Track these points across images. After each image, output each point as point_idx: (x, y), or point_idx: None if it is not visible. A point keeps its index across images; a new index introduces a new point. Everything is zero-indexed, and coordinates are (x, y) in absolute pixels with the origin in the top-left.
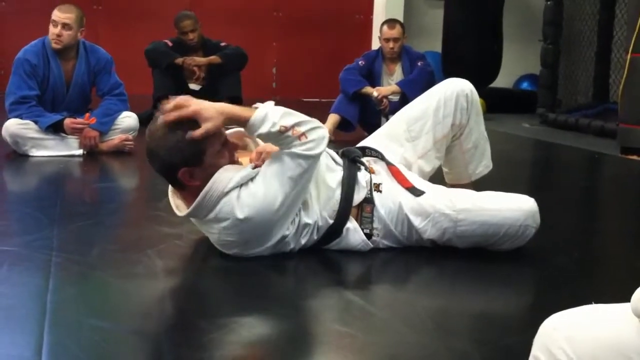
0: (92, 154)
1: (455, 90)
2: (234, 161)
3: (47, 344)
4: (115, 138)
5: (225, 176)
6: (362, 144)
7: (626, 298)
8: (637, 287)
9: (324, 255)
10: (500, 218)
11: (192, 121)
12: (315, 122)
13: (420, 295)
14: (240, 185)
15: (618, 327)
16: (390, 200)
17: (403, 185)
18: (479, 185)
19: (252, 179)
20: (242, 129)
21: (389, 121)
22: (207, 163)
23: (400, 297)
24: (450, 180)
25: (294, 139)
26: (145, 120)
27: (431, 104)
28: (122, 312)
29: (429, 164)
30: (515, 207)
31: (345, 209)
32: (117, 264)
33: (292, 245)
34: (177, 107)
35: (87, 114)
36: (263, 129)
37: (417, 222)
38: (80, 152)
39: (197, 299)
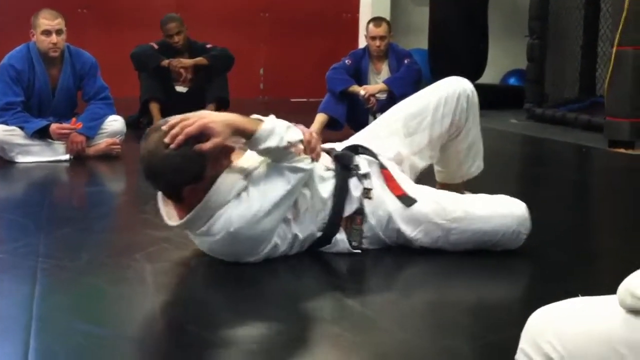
0: (79, 159)
1: (456, 90)
2: (229, 165)
3: (34, 350)
4: (102, 142)
5: (223, 189)
6: (355, 139)
7: (615, 290)
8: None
9: (315, 255)
10: (493, 225)
11: (197, 136)
12: (314, 134)
13: (411, 292)
14: (237, 197)
15: (605, 320)
16: (381, 208)
17: (395, 193)
18: (470, 180)
19: (246, 190)
20: None
21: (385, 114)
22: (208, 175)
23: (392, 294)
24: (441, 179)
25: (294, 155)
26: (132, 123)
27: (431, 101)
28: (111, 317)
29: (422, 161)
30: (507, 214)
31: (334, 221)
32: (105, 269)
33: (281, 251)
34: (179, 124)
35: (74, 119)
36: (270, 143)
37: (408, 231)
38: (67, 157)
39: (188, 303)
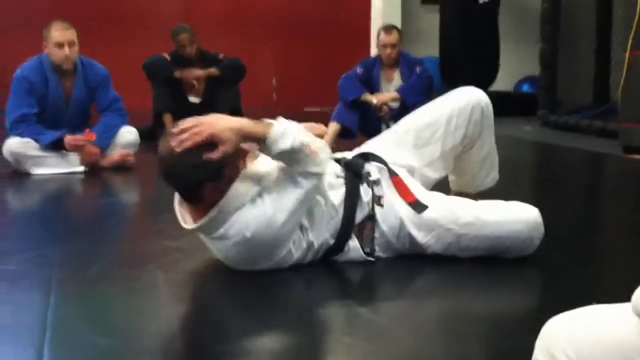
0: (93, 171)
1: (470, 101)
2: (244, 166)
3: None
4: (115, 153)
5: (239, 193)
6: (366, 147)
7: (629, 298)
8: None
9: (327, 264)
10: (504, 231)
11: (208, 143)
12: (321, 140)
13: (424, 300)
14: (252, 202)
15: (619, 328)
16: (392, 215)
17: (406, 200)
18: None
19: (260, 196)
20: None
21: (396, 125)
22: (227, 175)
23: (403, 303)
24: (455, 188)
25: (308, 157)
26: (145, 134)
27: (444, 112)
28: (124, 328)
29: (434, 172)
30: (519, 219)
31: (346, 229)
32: (118, 279)
33: (295, 258)
34: (189, 130)
35: (87, 130)
36: (284, 145)
37: (420, 237)
38: (81, 168)
39: (201, 314)
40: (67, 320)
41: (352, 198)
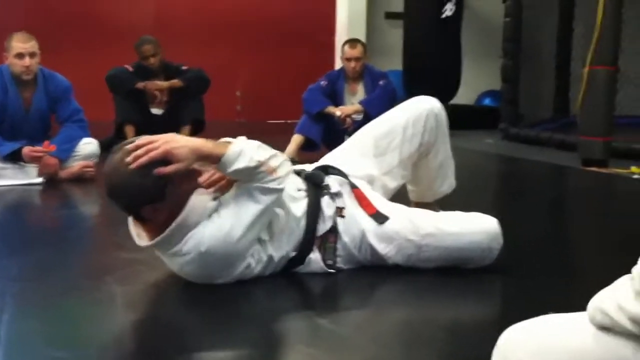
0: (52, 182)
1: (425, 109)
2: (195, 187)
3: None
4: (75, 165)
5: (196, 209)
6: (325, 160)
7: (586, 307)
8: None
9: (289, 276)
10: (465, 242)
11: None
12: (283, 155)
13: (387, 310)
14: (208, 217)
15: (576, 336)
16: (354, 226)
17: (367, 211)
18: (445, 200)
19: (217, 211)
20: None
21: (355, 135)
22: (170, 195)
23: (365, 313)
24: (414, 198)
25: (266, 174)
26: (106, 146)
27: (400, 121)
28: (81, 341)
29: (393, 180)
30: (479, 230)
31: (308, 241)
32: (76, 291)
33: (256, 272)
34: (145, 146)
35: (47, 142)
36: (239, 165)
37: (380, 248)
38: (39, 180)
39: (160, 326)
40: (22, 333)
41: (314, 210)
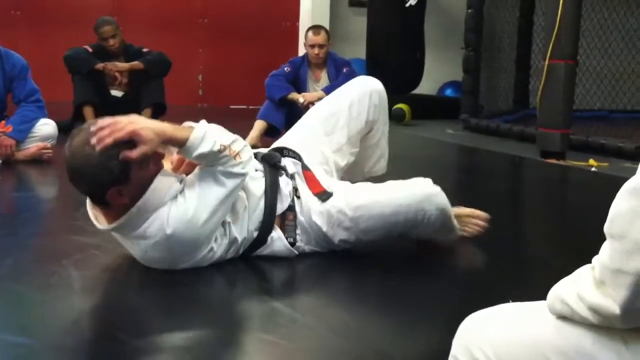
0: (8, 163)
1: (368, 87)
2: (159, 170)
3: None
4: (32, 146)
5: (158, 191)
6: (280, 142)
7: (545, 297)
8: (554, 284)
9: (248, 262)
10: (394, 207)
11: (125, 141)
12: (244, 141)
13: (344, 299)
14: (173, 200)
15: (535, 326)
16: (305, 206)
17: (313, 191)
18: None
19: (181, 193)
20: None
21: (304, 117)
22: (134, 178)
23: (324, 302)
24: (345, 174)
25: (230, 158)
26: (65, 128)
27: (345, 100)
28: (38, 326)
29: (343, 158)
30: (407, 194)
31: (269, 220)
32: (32, 275)
33: (218, 256)
34: (109, 127)
35: (3, 122)
36: (203, 149)
37: (324, 227)
38: None
39: (117, 311)
40: None
41: (272, 189)
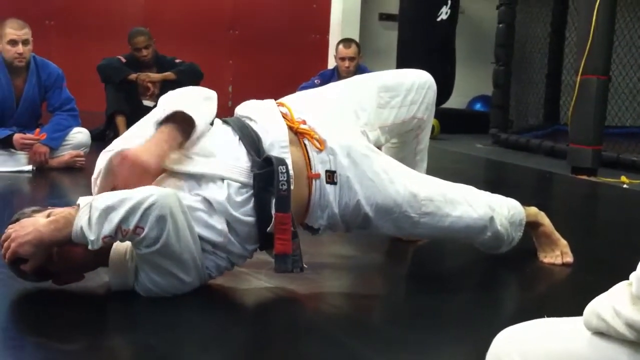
0: (41, 170)
1: (428, 81)
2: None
3: None
4: (65, 154)
5: (118, 271)
6: (310, 109)
7: (577, 312)
8: (586, 300)
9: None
10: (461, 226)
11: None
12: (146, 192)
13: (372, 318)
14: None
15: (570, 341)
16: (347, 195)
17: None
18: None
19: (138, 271)
20: None
21: (357, 78)
22: (59, 266)
23: (352, 319)
24: None
25: (135, 238)
26: (97, 136)
27: (405, 81)
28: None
29: (371, 135)
30: (477, 216)
31: (264, 238)
32: None
33: (222, 271)
34: (3, 244)
35: (37, 130)
36: (91, 238)
37: (376, 220)
38: (29, 168)
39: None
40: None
41: (261, 211)
